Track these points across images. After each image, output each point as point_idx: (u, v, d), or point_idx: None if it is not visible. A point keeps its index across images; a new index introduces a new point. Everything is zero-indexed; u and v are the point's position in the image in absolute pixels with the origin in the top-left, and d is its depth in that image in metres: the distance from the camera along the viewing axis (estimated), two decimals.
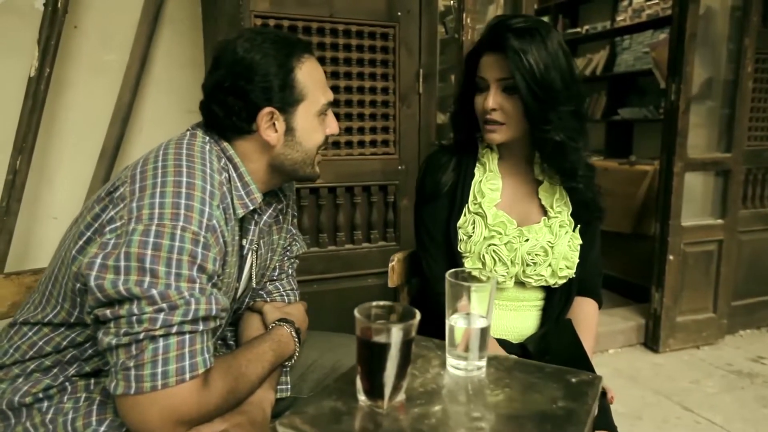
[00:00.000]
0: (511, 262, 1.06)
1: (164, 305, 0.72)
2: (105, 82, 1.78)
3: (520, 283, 1.10)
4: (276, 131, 0.89)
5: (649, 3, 3.58)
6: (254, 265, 1.00)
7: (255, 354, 0.89)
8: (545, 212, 1.11)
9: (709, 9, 2.53)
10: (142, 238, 0.73)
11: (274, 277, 1.10)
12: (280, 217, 1.06)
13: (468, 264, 1.09)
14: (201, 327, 0.75)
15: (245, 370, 0.85)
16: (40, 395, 0.82)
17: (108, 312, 0.72)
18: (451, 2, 2.13)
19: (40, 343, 0.84)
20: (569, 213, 1.11)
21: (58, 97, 1.74)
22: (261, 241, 1.00)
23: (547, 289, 1.12)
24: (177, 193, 0.76)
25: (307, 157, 0.94)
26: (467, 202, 1.10)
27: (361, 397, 0.66)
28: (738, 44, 2.53)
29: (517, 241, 1.07)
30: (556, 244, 1.07)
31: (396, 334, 0.63)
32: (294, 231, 1.13)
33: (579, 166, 1.06)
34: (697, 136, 2.57)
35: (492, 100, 1.02)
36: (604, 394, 1.05)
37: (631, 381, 2.28)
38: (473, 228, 1.08)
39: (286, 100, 0.88)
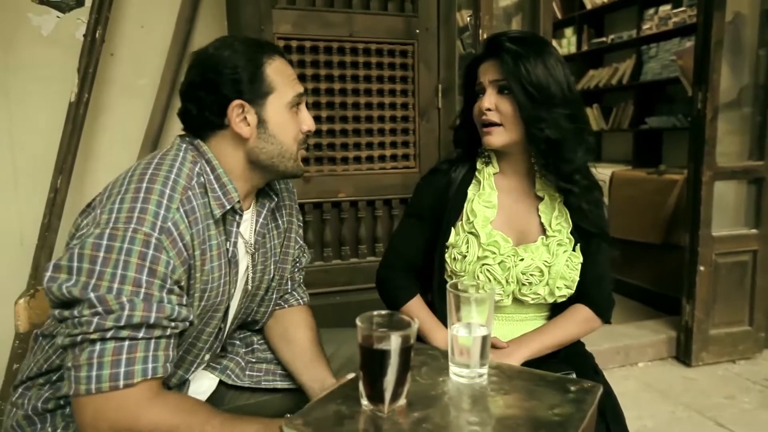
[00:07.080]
0: (506, 281, 1.06)
1: (100, 309, 0.72)
2: (138, 105, 1.88)
3: (518, 301, 1.09)
4: (248, 124, 0.89)
5: (675, 11, 3.52)
6: (250, 267, 1.00)
7: (225, 428, 0.77)
8: (544, 230, 1.10)
9: (738, 15, 2.49)
10: (96, 241, 0.74)
11: (289, 289, 1.14)
12: (279, 221, 1.07)
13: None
14: (141, 334, 0.74)
15: (198, 429, 0.76)
16: (62, 402, 0.86)
17: (57, 313, 0.75)
18: (468, 19, 2.17)
19: (53, 357, 0.88)
20: (569, 231, 1.09)
21: (96, 120, 1.85)
22: (257, 244, 1.00)
23: (550, 305, 1.12)
24: (135, 198, 0.78)
25: (285, 150, 0.93)
26: (458, 222, 1.11)
27: (364, 402, 0.69)
28: None
29: (510, 260, 1.06)
30: (553, 263, 1.06)
31: (395, 342, 0.66)
32: (301, 242, 1.16)
33: (576, 168, 1.05)
34: (729, 144, 2.50)
35: (487, 100, 1.05)
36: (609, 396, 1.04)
37: (662, 395, 2.22)
38: (467, 247, 1.08)
39: (255, 92, 0.89)
